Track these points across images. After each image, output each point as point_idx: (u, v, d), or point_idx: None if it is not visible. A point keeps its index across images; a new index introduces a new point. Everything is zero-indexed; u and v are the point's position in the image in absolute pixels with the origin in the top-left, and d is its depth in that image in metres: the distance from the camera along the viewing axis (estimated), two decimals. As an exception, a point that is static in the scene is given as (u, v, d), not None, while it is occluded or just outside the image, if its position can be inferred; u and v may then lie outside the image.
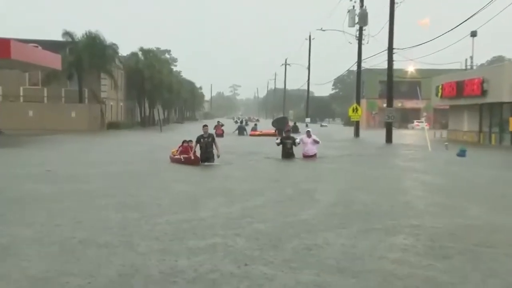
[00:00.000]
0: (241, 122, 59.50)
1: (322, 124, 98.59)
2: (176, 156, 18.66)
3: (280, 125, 52.06)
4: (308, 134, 22.30)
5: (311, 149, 22.00)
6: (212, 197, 11.23)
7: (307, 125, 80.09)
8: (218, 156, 18.31)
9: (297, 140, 21.94)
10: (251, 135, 46.62)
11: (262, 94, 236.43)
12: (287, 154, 21.62)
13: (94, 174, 15.59)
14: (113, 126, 54.92)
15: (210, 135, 18.80)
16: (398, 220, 9.08)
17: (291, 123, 60.85)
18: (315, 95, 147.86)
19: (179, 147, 19.44)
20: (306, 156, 21.80)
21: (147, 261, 6.33)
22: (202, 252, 6.73)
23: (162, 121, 61.53)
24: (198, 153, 18.58)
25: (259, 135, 46.51)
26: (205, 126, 18.82)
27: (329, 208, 10.08)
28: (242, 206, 10.24)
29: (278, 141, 22.11)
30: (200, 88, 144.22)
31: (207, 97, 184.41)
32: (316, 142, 22.05)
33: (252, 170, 17.39)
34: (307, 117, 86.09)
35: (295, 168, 18.95)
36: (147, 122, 71.51)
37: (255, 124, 53.77)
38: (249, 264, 6.18)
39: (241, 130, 48.53)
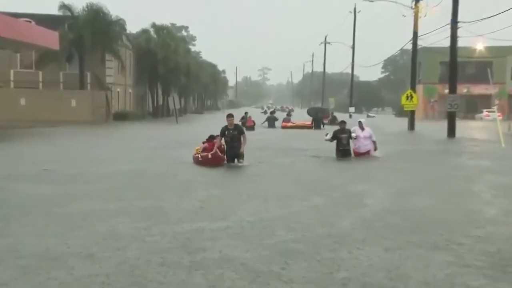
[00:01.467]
0: (271, 111, 59.57)
1: (369, 114, 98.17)
2: (196, 155, 18.53)
3: (317, 114, 52.47)
4: (361, 126, 21.60)
5: (364, 144, 21.39)
6: (239, 203, 11.29)
7: (350, 116, 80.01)
8: (241, 153, 18.17)
9: (353, 134, 21.22)
10: (282, 127, 46.91)
11: (297, 78, 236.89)
12: (344, 152, 20.95)
13: (99, 173, 15.72)
14: (121, 116, 55.65)
15: (237, 127, 18.64)
16: (460, 231, 8.99)
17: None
18: (361, 80, 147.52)
19: (204, 144, 19.11)
20: (358, 154, 21.26)
21: (152, 273, 6.38)
22: (211, 263, 6.88)
23: (178, 111, 62.19)
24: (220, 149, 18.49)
25: (292, 127, 46.88)
26: (230, 116, 18.64)
27: (376, 216, 10.13)
28: (275, 213, 10.30)
29: (329, 137, 21.35)
30: (223, 72, 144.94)
31: (231, 82, 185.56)
32: (370, 136, 21.45)
33: (292, 170, 17.47)
34: (351, 105, 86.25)
35: (341, 167, 18.94)
36: (160, 112, 72.31)
37: (287, 114, 53.65)
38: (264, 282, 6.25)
39: (271, 122, 48.69)
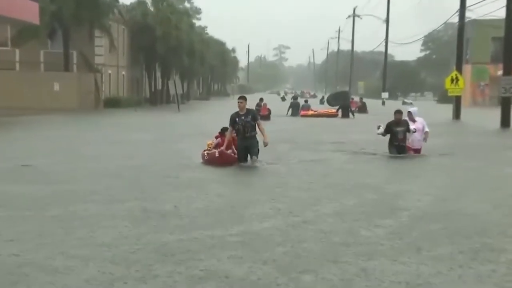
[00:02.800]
0: (294, 97, 59.43)
1: (405, 100, 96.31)
2: (205, 151, 18.20)
3: (341, 101, 52.52)
4: (411, 117, 20.95)
5: (418, 139, 20.79)
6: (250, 207, 11.32)
7: (383, 103, 79.33)
8: (266, 145, 17.63)
9: (412, 127, 20.31)
10: (302, 115, 47.29)
11: (320, 58, 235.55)
12: (399, 148, 20.29)
13: (87, 171, 15.75)
14: (112, 103, 55.94)
15: (250, 112, 17.86)
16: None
17: (356, 101, 60.70)
18: (396, 60, 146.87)
19: (216, 138, 18.62)
20: (412, 150, 20.69)
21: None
22: (202, 276, 6.93)
23: (180, 97, 62.25)
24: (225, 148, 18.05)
25: (313, 115, 47.14)
26: (241, 98, 18.08)
27: (413, 222, 10.12)
28: (293, 218, 10.30)
29: (382, 130, 20.61)
30: (233, 50, 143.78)
31: (242, 63, 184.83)
32: (423, 128, 20.81)
33: (321, 168, 17.44)
34: (384, 90, 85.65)
35: (378, 164, 18.97)
36: (159, 99, 72.85)
37: (306, 101, 53.41)
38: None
39: (295, 109, 49.11)
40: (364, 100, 60.79)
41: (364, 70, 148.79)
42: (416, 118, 20.92)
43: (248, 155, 17.52)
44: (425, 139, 20.98)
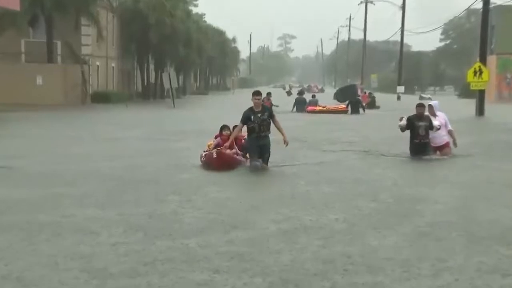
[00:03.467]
0: (300, 92, 59.33)
1: (423, 95, 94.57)
2: (204, 152, 17.93)
3: (349, 96, 52.78)
4: (432, 111, 20.58)
5: (441, 135, 20.53)
6: (252, 212, 11.33)
7: (399, 97, 78.94)
8: (286, 144, 17.56)
9: (436, 123, 20.01)
10: (308, 111, 47.26)
11: (329, 49, 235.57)
12: (421, 146, 20.02)
13: (73, 172, 15.79)
14: (101, 98, 55.89)
15: (265, 109, 17.71)
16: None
17: (362, 94, 60.57)
18: (413, 50, 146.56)
19: (216, 138, 18.51)
20: (434, 148, 20.48)
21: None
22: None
23: (175, 91, 62.47)
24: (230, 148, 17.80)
25: (321, 111, 47.08)
26: (256, 94, 17.56)
27: (432, 229, 10.13)
28: (300, 224, 10.34)
29: (404, 122, 20.31)
30: (234, 40, 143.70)
31: (243, 54, 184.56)
32: (445, 123, 20.57)
33: (333, 169, 17.50)
34: (399, 84, 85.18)
35: (394, 164, 18.96)
36: (152, 93, 73.00)
37: (313, 96, 53.62)
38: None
39: (300, 105, 49.18)
40: (377, 94, 60.80)
41: (377, 61, 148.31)
42: (437, 113, 20.60)
43: (263, 157, 17.39)
44: (454, 143, 20.69)
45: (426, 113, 20.26)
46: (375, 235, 9.53)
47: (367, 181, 15.32)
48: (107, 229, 9.72)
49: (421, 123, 19.79)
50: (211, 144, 18.31)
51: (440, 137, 20.40)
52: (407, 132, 20.21)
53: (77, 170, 16.08)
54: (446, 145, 20.57)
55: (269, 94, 43.91)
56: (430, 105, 20.76)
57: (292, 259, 8.22)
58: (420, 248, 8.90)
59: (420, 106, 20.37)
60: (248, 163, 17.28)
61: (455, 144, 20.70)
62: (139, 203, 11.90)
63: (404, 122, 20.18)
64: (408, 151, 20.24)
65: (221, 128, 18.31)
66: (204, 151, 17.87)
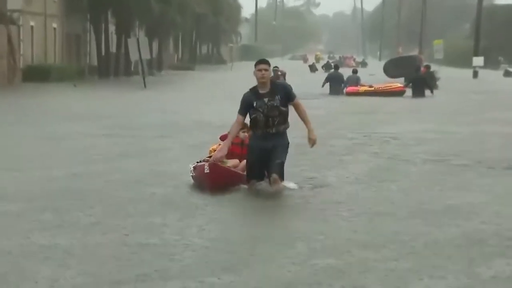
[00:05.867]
0: (335, 65, 49.87)
1: (509, 69, 79.93)
2: (199, 163, 14.12)
3: (407, 70, 45.89)
4: None
5: None
6: (255, 247, 9.49)
7: (475, 73, 66.73)
8: (312, 144, 12.91)
9: None
10: (348, 93, 40.32)
11: (371, 4, 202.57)
12: None
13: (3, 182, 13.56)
14: (37, 74, 49.76)
15: (279, 88, 13.03)
16: None
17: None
18: (497, 3, 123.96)
19: (225, 139, 14.53)
20: None
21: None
22: None
23: (147, 65, 53.57)
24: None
25: (367, 92, 40.38)
26: (261, 63, 12.94)
27: (468, 239, 9.56)
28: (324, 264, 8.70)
29: None
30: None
31: (247, 11, 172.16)
32: None
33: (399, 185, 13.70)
34: (476, 54, 70.26)
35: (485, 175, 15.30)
36: (113, 68, 63.04)
37: (355, 71, 45.31)
38: None
39: (337, 84, 41.28)
40: (443, 69, 53.98)
41: (443, 21, 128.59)
42: None
43: (272, 168, 12.76)
44: None
45: None
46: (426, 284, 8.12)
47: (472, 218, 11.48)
48: (62, 257, 8.94)
49: None
50: (214, 149, 14.54)
51: None
52: None
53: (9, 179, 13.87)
54: None
55: (276, 68, 35.22)
56: None
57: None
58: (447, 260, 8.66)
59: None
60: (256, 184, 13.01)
61: None
62: (102, 224, 10.57)
63: None
64: None
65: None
66: (197, 162, 14.07)
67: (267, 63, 12.81)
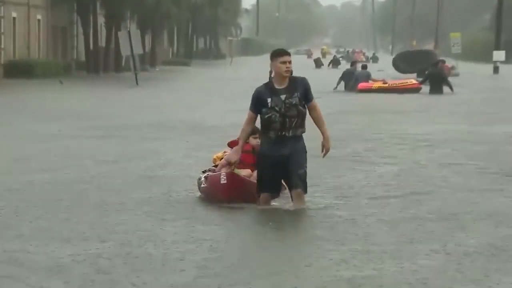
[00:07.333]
0: (351, 61, 48.87)
1: None
2: (205, 173, 13.39)
3: (420, 65, 45.32)
4: None
5: None
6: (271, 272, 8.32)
7: (496, 69, 64.63)
8: (325, 152, 11.67)
9: None
10: (360, 90, 38.81)
11: None
12: None
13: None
14: (19, 70, 48.83)
15: (298, 83, 11.73)
16: None
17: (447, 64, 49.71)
18: None
19: (231, 147, 13.76)
20: None
21: None
22: None
23: (139, 60, 52.02)
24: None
25: (381, 89, 39.13)
26: (282, 54, 11.63)
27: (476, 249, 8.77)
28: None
29: None
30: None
31: (247, 1, 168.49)
32: None
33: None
34: (497, 48, 67.46)
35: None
36: (102, 63, 61.63)
37: (364, 66, 44.46)
38: None
39: (352, 80, 39.97)
40: (461, 64, 52.97)
41: (461, 13, 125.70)
42: None
43: (293, 177, 11.58)
44: None
45: None
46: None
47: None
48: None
49: None
50: (219, 158, 13.63)
51: None
52: None
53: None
54: None
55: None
56: None
57: None
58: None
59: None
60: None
61: None
62: (96, 239, 9.62)
63: None
64: None
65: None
66: (204, 171, 13.13)
67: (289, 54, 11.54)
